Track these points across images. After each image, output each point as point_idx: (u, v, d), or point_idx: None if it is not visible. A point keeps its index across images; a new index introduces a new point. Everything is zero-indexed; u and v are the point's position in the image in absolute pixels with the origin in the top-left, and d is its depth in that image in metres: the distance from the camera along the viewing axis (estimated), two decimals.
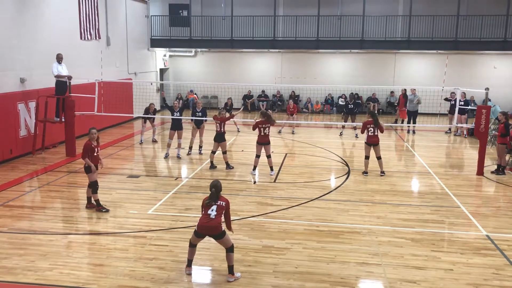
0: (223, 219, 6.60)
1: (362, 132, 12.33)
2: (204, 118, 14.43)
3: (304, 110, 25.76)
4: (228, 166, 12.65)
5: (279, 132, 18.76)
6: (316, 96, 25.85)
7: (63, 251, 7.45)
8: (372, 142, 12.22)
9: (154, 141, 16.58)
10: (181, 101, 26.23)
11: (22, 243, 7.73)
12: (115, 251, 7.46)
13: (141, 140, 16.32)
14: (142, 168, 13.02)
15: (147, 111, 16.06)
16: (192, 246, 6.76)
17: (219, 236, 6.48)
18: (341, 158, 14.28)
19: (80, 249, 7.53)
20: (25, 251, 7.40)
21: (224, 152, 12.69)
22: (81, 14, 17.30)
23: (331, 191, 10.84)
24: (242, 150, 15.01)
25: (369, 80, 24.47)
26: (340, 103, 25.21)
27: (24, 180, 11.55)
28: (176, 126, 13.97)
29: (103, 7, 18.97)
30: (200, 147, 14.72)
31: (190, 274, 6.72)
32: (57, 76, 13.74)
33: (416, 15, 22.88)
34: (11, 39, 13.51)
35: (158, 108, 22.80)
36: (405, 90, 20.21)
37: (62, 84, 13.89)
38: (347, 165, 13.41)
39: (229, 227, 6.74)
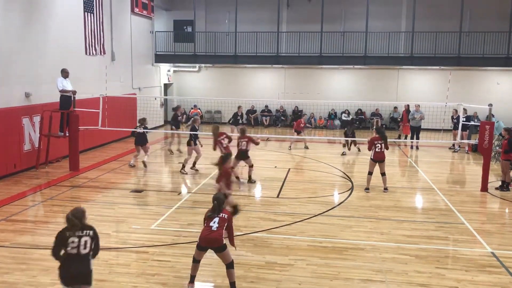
0: (225, 234, 6.57)
1: (370, 149, 12.07)
2: (196, 132, 13.95)
3: (307, 125, 25.75)
4: (250, 180, 12.79)
5: (289, 148, 18.52)
6: (319, 111, 25.90)
7: None
8: (379, 159, 12.03)
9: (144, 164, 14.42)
10: (184, 115, 26.47)
11: (24, 257, 7.71)
12: (117, 266, 7.43)
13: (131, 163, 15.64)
14: (145, 183, 13.01)
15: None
16: (196, 261, 6.70)
17: (220, 249, 6.44)
18: (345, 174, 14.24)
19: None
20: (27, 266, 7.37)
21: (251, 166, 12.89)
22: (86, 30, 17.47)
23: (334, 207, 10.79)
24: (245, 165, 14.98)
25: (372, 95, 24.52)
26: (344, 118, 25.23)
27: (28, 195, 11.55)
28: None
29: (108, 23, 19.18)
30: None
31: None
32: (62, 91, 13.81)
33: (419, 32, 23.01)
34: (17, 54, 13.64)
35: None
36: (408, 105, 20.22)
37: (67, 99, 13.96)
38: (350, 180, 13.36)
39: (231, 243, 6.70)
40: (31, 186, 12.29)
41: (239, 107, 19.78)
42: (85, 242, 5.28)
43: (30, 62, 14.20)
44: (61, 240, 5.30)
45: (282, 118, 26.02)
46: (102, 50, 18.60)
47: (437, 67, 24.16)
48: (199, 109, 26.56)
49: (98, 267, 7.39)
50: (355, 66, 24.86)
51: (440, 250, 8.30)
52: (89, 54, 17.72)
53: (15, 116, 13.38)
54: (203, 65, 26.62)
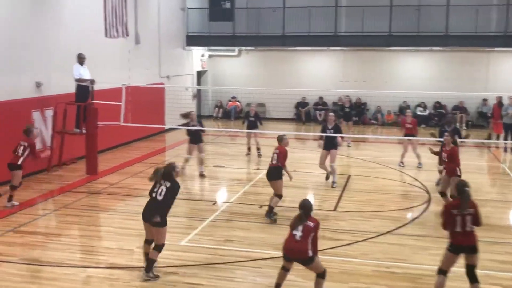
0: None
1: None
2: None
3: (372, 121, 25.45)
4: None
5: (402, 164, 15.95)
6: (388, 104, 25.43)
7: (80, 287, 7.65)
8: None
9: (202, 175, 14.62)
10: (220, 109, 26.78)
11: (34, 276, 8.01)
12: None
13: (182, 168, 14.25)
14: None
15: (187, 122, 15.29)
16: (284, 269, 7.16)
17: (306, 262, 6.89)
18: (420, 182, 13.96)
19: (101, 285, 7.71)
20: (37, 286, 7.66)
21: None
22: (107, 8, 17.80)
23: (406, 224, 10.64)
24: (294, 170, 14.94)
25: (455, 85, 23.84)
26: (419, 113, 24.71)
27: (38, 202, 12.00)
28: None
29: None
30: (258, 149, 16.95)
31: None
32: (78, 80, 14.18)
33: None
34: (26, 37, 14.09)
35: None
36: (501, 98, 19.59)
37: (84, 90, 14.33)
38: (427, 191, 13.09)
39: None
40: (41, 192, 12.76)
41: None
42: (161, 190, 7.85)
43: (42, 47, 14.67)
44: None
45: (341, 113, 25.74)
46: (125, 31, 18.91)
47: None
48: (238, 101, 26.80)
49: None
50: (433, 48, 24.37)
51: None
52: (110, 36, 18.06)
53: (24, 110, 13.87)
54: (243, 48, 26.77)
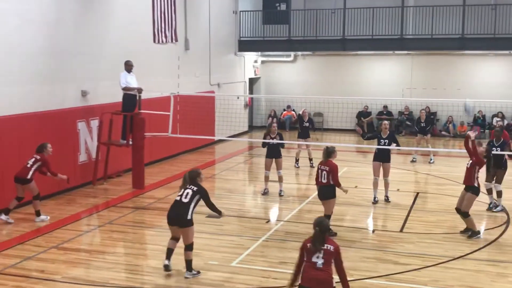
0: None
1: None
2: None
3: (443, 133, 24.90)
4: None
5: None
6: (461, 114, 24.82)
7: None
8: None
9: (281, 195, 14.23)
10: (274, 119, 26.83)
11: None
12: None
13: (265, 190, 14.28)
14: (225, 206, 13.22)
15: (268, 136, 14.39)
16: None
17: None
18: (497, 201, 13.50)
19: None
20: None
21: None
22: (155, 12, 18.22)
23: (482, 247, 10.34)
24: (356, 186, 14.80)
25: None
26: (495, 124, 23.99)
27: (82, 217, 12.32)
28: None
29: (181, 3, 19.88)
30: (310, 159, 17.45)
31: None
32: (125, 89, 14.50)
33: None
34: (73, 44, 14.49)
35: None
36: None
37: (131, 99, 14.62)
38: (505, 211, 12.67)
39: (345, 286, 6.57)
40: (86, 206, 13.09)
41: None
42: (187, 193, 8.69)
43: (88, 55, 15.06)
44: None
45: (408, 123, 25.36)
46: (173, 36, 19.30)
47: None
48: (293, 110, 26.78)
49: None
50: None
51: None
52: (159, 42, 18.48)
53: (69, 120, 14.28)
54: (300, 53, 26.79)
